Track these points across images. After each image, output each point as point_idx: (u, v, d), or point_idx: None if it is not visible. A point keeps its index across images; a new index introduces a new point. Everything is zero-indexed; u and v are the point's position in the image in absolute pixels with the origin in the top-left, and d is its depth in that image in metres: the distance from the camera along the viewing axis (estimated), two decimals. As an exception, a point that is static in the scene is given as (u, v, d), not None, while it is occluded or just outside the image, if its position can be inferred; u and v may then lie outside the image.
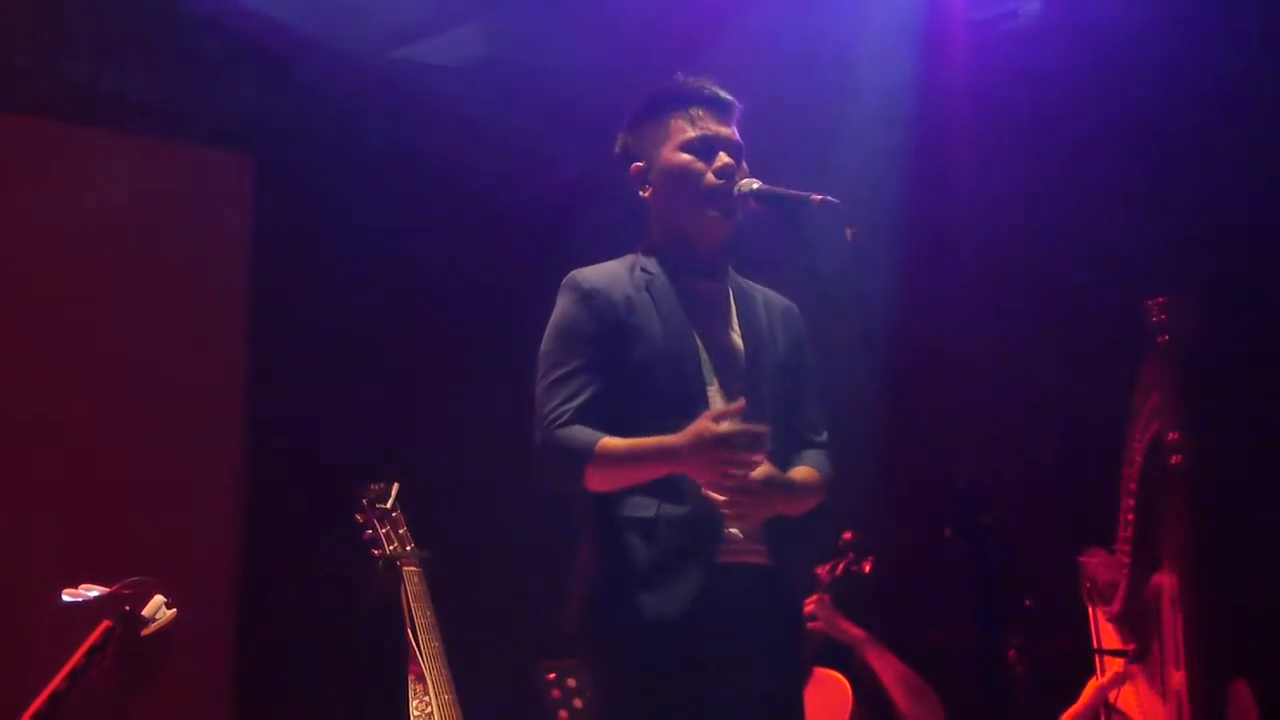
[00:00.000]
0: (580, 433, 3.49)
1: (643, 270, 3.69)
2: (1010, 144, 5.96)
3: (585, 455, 3.47)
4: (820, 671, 5.31)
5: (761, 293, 3.82)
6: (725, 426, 3.38)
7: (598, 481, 3.50)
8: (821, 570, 5.46)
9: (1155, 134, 5.59)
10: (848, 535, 5.51)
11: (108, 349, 6.23)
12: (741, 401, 3.44)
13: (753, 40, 5.85)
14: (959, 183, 6.11)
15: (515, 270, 6.35)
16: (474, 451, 6.37)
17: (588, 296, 3.62)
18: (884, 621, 5.55)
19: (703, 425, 3.39)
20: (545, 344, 3.64)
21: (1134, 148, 5.66)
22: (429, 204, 6.67)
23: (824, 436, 3.79)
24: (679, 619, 3.45)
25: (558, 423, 3.51)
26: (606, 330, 3.59)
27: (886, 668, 5.38)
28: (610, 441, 3.47)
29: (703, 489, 3.45)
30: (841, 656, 5.41)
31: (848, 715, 5.19)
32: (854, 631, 5.42)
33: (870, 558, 5.48)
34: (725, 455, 3.38)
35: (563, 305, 3.66)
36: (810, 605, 5.39)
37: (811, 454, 3.73)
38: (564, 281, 3.69)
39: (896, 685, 5.35)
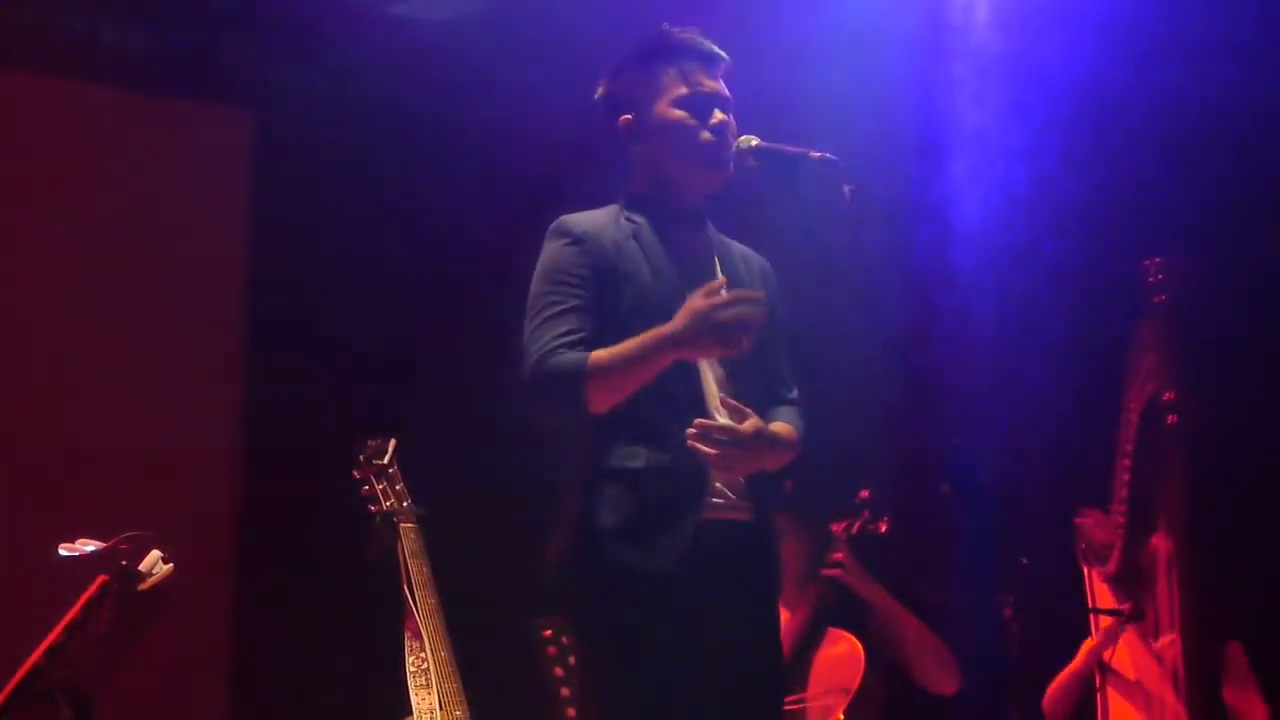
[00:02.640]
0: (570, 355, 3.46)
1: (628, 220, 3.68)
2: (1008, 105, 5.95)
3: (580, 372, 3.43)
4: (834, 632, 5.32)
5: (738, 248, 3.81)
6: (718, 297, 3.38)
7: (599, 396, 3.45)
8: (837, 527, 5.44)
9: (1153, 96, 5.59)
10: (865, 493, 5.48)
11: (105, 306, 6.23)
12: (723, 280, 3.45)
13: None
14: (962, 145, 6.10)
15: (516, 225, 6.34)
16: (474, 408, 6.37)
17: (579, 240, 3.60)
18: (880, 580, 5.55)
19: (695, 301, 3.39)
20: (535, 286, 3.60)
21: (1133, 110, 5.65)
22: (429, 159, 6.66)
23: (795, 393, 3.79)
24: (663, 572, 3.43)
25: (547, 354, 3.48)
26: (597, 274, 3.57)
27: (906, 630, 5.37)
28: (602, 351, 3.45)
29: (689, 442, 3.43)
30: (852, 616, 5.41)
31: (860, 676, 5.19)
32: (877, 591, 5.41)
33: (886, 518, 5.45)
34: (726, 317, 3.37)
35: (552, 249, 3.62)
36: (838, 557, 5.37)
37: (785, 410, 3.72)
38: (552, 226, 3.66)
39: (916, 647, 5.35)
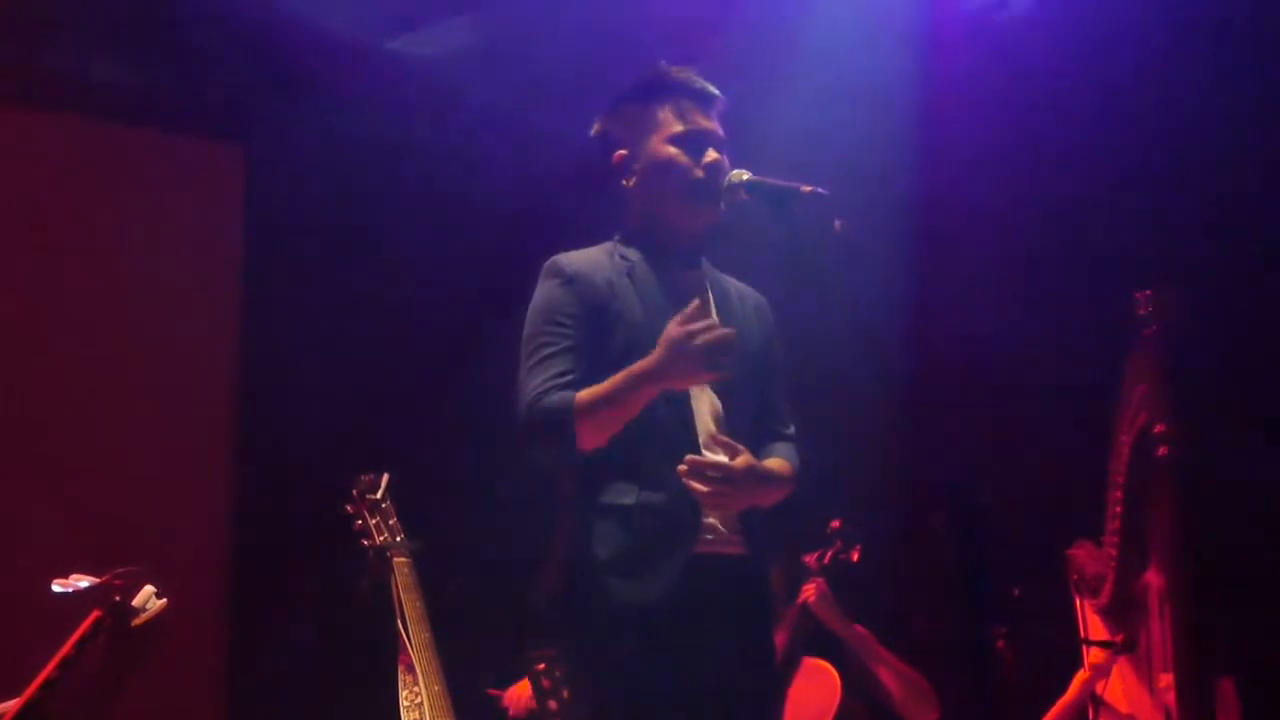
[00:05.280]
0: (558, 396, 3.50)
1: (622, 257, 3.70)
2: (1001, 135, 5.96)
3: (567, 411, 3.47)
4: (809, 661, 5.32)
5: (734, 284, 3.84)
6: (693, 324, 3.40)
7: (589, 434, 3.49)
8: (809, 558, 5.47)
9: (1146, 124, 5.60)
10: (836, 523, 5.51)
11: (98, 339, 6.23)
12: (696, 302, 3.46)
13: (745, 31, 5.85)
14: (950, 173, 6.12)
15: (507, 259, 6.36)
16: (466, 441, 6.37)
17: (571, 280, 3.63)
18: (871, 611, 5.55)
19: (670, 330, 3.41)
20: (528, 328, 3.64)
21: (1125, 138, 5.67)
22: (421, 193, 6.67)
23: (791, 429, 3.81)
24: (655, 607, 3.46)
25: (539, 397, 3.51)
26: (589, 314, 3.60)
27: (880, 663, 5.37)
28: (585, 391, 3.48)
29: (683, 479, 3.45)
30: (829, 646, 5.41)
31: (836, 706, 5.20)
32: (849, 627, 5.41)
33: (858, 546, 5.48)
34: (703, 342, 3.39)
35: (545, 289, 3.66)
36: (808, 593, 5.39)
37: (781, 446, 3.75)
38: (545, 266, 3.69)
39: (890, 679, 5.35)
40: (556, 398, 3.50)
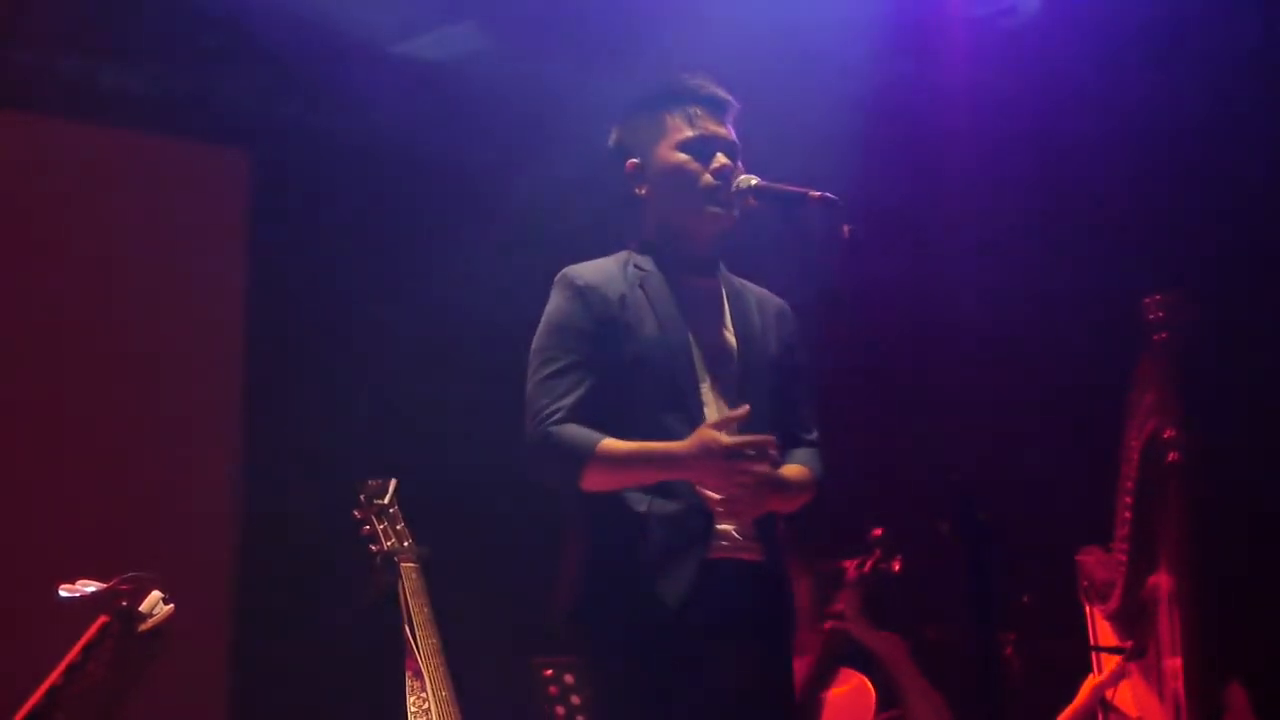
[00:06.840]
0: (579, 432, 3.49)
1: (636, 267, 3.69)
2: (1008, 141, 5.96)
3: (585, 455, 3.47)
4: (846, 672, 5.29)
5: (754, 291, 3.81)
6: (732, 438, 3.38)
7: (594, 482, 3.50)
8: (849, 564, 5.42)
9: (1154, 130, 5.60)
10: (877, 532, 5.46)
11: (105, 345, 6.23)
12: (744, 409, 3.44)
13: (748, 37, 5.84)
14: (956, 180, 6.11)
15: (512, 265, 6.36)
16: (473, 447, 6.37)
17: (581, 293, 3.62)
18: (883, 618, 5.54)
19: (708, 435, 3.39)
20: (538, 340, 3.63)
21: (1133, 144, 5.66)
22: (426, 199, 6.67)
23: (815, 435, 3.78)
24: (670, 614, 3.45)
25: (551, 420, 3.50)
26: (600, 326, 3.59)
27: (905, 676, 5.34)
28: (611, 444, 3.47)
29: (696, 487, 3.45)
30: (865, 657, 5.38)
31: (871, 715, 5.17)
32: (880, 639, 5.38)
33: (899, 556, 5.42)
34: (735, 465, 3.38)
35: (556, 301, 3.65)
36: (839, 604, 5.36)
37: (802, 452, 3.72)
38: (557, 278, 3.68)
39: (914, 699, 5.32)
40: (577, 434, 3.49)
